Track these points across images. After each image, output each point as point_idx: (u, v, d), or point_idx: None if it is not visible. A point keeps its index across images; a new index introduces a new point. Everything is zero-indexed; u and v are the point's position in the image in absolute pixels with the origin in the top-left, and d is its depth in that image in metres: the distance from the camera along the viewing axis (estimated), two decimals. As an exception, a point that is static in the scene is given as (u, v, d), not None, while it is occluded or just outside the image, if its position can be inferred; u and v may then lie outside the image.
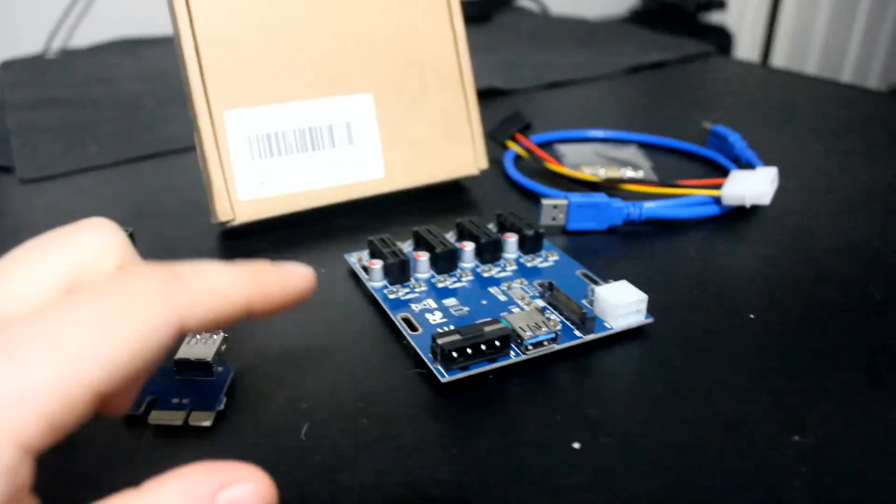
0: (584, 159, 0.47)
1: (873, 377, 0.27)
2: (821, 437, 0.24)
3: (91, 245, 0.18)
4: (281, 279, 0.19)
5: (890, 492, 0.22)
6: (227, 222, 0.37)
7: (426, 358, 0.27)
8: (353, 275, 0.34)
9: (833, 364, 0.28)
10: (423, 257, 0.33)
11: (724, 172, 0.42)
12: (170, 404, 0.26)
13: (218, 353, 0.27)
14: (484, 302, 0.31)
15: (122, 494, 0.14)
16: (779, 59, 1.21)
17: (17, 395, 0.14)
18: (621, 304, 0.29)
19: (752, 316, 0.31)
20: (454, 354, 0.26)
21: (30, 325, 0.15)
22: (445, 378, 0.26)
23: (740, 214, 0.40)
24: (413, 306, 0.31)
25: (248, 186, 0.37)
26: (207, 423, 0.25)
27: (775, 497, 0.22)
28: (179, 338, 0.28)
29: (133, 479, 0.16)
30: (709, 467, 0.23)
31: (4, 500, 0.14)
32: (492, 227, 0.36)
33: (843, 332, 0.30)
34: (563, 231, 0.38)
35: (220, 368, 0.27)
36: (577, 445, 0.24)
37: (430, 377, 0.27)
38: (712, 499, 0.22)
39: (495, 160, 0.47)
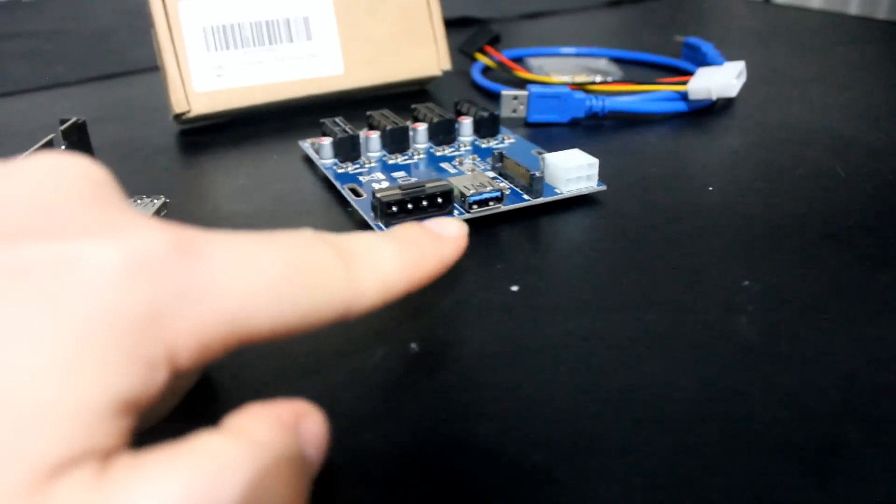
0: (554, 70, 0.46)
1: (828, 236, 0.26)
2: (770, 283, 0.23)
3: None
4: (439, 248, 0.16)
5: (830, 328, 0.21)
6: (184, 114, 0.36)
7: (367, 217, 0.27)
8: (307, 161, 0.34)
9: (790, 226, 0.27)
10: (374, 135, 0.32)
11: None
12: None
13: (157, 216, 0.27)
14: (433, 174, 0.30)
15: (207, 436, 0.11)
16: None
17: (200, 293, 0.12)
18: (571, 167, 0.28)
19: (710, 188, 0.30)
20: (394, 209, 0.26)
21: (224, 237, 0.13)
22: (385, 232, 0.26)
23: (708, 112, 0.39)
24: (361, 178, 0.30)
25: (203, 78, 0.36)
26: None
27: (720, 330, 0.21)
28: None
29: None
30: (652, 307, 0.22)
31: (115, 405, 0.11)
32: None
33: (804, 202, 0.29)
34: (525, 124, 0.37)
35: (158, 230, 0.27)
36: (514, 288, 0.23)
37: (371, 236, 0.27)
38: (654, 331, 0.21)
39: (463, 72, 0.46)
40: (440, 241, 0.16)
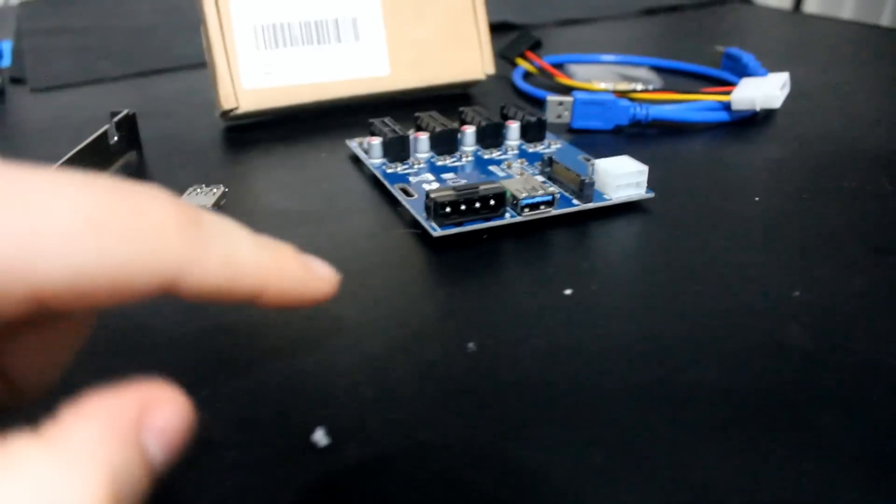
0: (595, 77, 0.46)
1: (879, 250, 0.26)
2: (822, 293, 0.23)
3: None
4: (305, 273, 0.15)
5: (882, 335, 0.21)
6: (231, 111, 0.37)
7: (419, 217, 0.27)
8: (354, 160, 0.34)
9: (839, 238, 0.27)
10: (423, 136, 0.32)
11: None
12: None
13: (217, 205, 0.27)
14: (482, 176, 0.30)
15: (19, 441, 0.10)
16: (812, 8, 1.18)
17: None
18: (621, 173, 0.28)
19: (756, 199, 0.30)
20: (447, 209, 0.26)
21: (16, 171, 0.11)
22: (437, 232, 0.26)
23: (751, 123, 0.39)
24: (411, 179, 0.30)
25: (252, 75, 0.37)
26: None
27: (774, 339, 0.21)
28: (179, 192, 0.28)
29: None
30: (704, 312, 0.22)
31: None
32: (496, 121, 0.36)
33: (851, 214, 0.29)
34: (569, 130, 0.38)
35: (214, 222, 0.27)
36: (568, 292, 0.24)
37: (423, 236, 0.27)
38: (704, 336, 0.21)
39: (504, 77, 0.46)
40: (308, 269, 0.15)
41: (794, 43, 0.60)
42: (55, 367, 0.15)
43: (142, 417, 0.11)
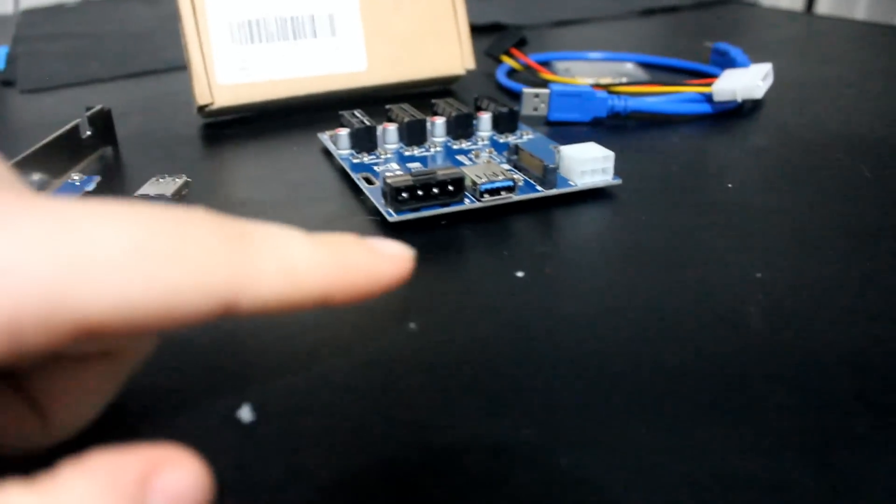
0: (580, 73, 0.45)
1: (850, 235, 0.25)
2: (784, 273, 0.23)
3: None
4: (372, 260, 0.14)
5: (838, 316, 0.21)
6: (207, 106, 0.37)
7: (378, 203, 0.27)
8: (326, 153, 0.34)
9: (811, 224, 0.26)
10: (392, 127, 0.32)
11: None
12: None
13: (178, 194, 0.27)
14: (448, 164, 0.30)
15: (12, 489, 0.10)
16: (824, 10, 1.16)
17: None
18: (586, 159, 0.28)
19: (729, 185, 0.30)
20: (404, 195, 0.26)
21: (57, 203, 0.11)
22: (393, 217, 0.26)
23: (734, 114, 0.39)
24: (376, 168, 0.30)
25: (227, 70, 0.37)
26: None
27: (728, 319, 0.21)
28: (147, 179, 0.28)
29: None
30: (662, 294, 0.22)
31: None
32: (470, 113, 0.35)
33: (827, 201, 0.28)
34: (546, 122, 0.37)
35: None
36: (520, 274, 0.23)
37: (382, 223, 0.27)
38: (657, 319, 0.21)
39: (489, 74, 0.46)
40: (374, 254, 0.14)
41: (798, 41, 0.59)
42: (94, 403, 0.15)
43: (149, 478, 0.11)
